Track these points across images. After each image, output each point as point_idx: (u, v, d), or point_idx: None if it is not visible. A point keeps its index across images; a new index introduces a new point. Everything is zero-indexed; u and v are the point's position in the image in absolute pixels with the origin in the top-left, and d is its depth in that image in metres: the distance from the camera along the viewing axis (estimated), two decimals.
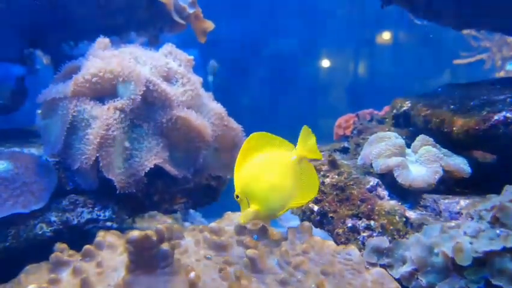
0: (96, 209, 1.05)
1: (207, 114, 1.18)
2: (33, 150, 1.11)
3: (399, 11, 1.58)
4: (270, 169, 0.81)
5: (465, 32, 2.71)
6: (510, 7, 1.26)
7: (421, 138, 1.06)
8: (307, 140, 0.84)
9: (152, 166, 1.04)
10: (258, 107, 3.83)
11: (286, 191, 0.81)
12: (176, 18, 1.55)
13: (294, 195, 0.82)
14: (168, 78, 1.15)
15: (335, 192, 1.03)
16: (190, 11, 1.60)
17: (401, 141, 1.05)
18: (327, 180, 1.06)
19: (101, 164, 0.98)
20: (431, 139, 1.05)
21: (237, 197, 0.80)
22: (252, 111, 3.84)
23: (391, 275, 0.81)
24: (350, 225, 0.96)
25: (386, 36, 3.77)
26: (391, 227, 0.91)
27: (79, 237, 0.97)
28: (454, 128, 1.02)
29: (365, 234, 0.93)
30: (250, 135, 0.82)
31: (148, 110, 1.08)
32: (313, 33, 3.80)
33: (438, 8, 1.42)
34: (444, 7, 1.41)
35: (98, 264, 0.80)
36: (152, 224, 1.45)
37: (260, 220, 0.85)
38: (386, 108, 1.69)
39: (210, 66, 3.16)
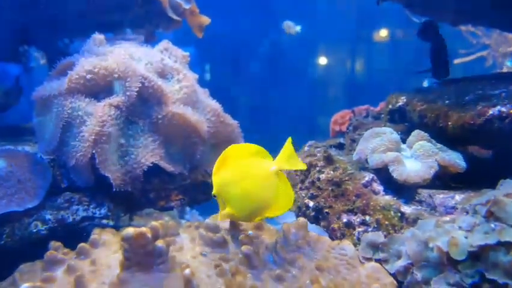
0: (91, 206, 1.05)
1: (203, 111, 1.17)
2: (28, 148, 1.10)
3: (396, 7, 1.58)
4: (248, 177, 0.80)
5: (462, 28, 2.70)
6: (507, 3, 1.26)
7: (416, 133, 1.06)
8: (287, 152, 0.83)
9: (151, 164, 1.04)
10: (255, 104, 3.83)
11: (261, 201, 0.80)
12: (172, 15, 1.54)
13: (270, 206, 0.81)
14: (163, 75, 1.14)
15: (330, 188, 1.03)
16: (186, 6, 1.59)
17: (396, 136, 1.05)
18: (323, 176, 1.06)
19: (97, 161, 0.98)
20: (427, 134, 1.05)
21: (215, 196, 0.81)
22: (248, 107, 3.84)
23: (386, 270, 0.81)
24: (345, 220, 0.96)
25: (383, 33, 3.77)
26: (386, 222, 0.91)
27: (75, 235, 0.96)
28: (449, 123, 1.02)
29: (360, 229, 0.93)
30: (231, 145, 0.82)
31: (144, 107, 1.08)
32: (311, 30, 3.80)
33: (434, 4, 1.42)
34: (440, 3, 1.41)
35: (93, 262, 0.80)
36: (149, 222, 1.44)
37: (236, 220, 0.86)
38: (382, 104, 1.69)
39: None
